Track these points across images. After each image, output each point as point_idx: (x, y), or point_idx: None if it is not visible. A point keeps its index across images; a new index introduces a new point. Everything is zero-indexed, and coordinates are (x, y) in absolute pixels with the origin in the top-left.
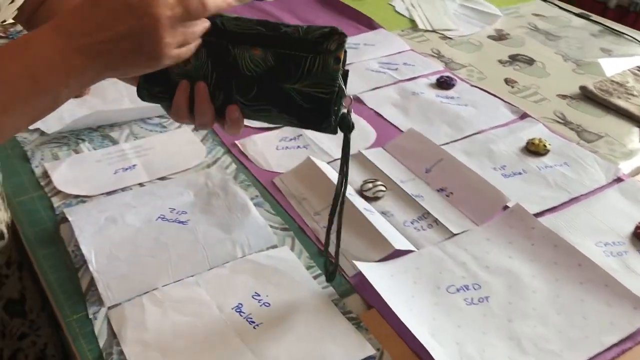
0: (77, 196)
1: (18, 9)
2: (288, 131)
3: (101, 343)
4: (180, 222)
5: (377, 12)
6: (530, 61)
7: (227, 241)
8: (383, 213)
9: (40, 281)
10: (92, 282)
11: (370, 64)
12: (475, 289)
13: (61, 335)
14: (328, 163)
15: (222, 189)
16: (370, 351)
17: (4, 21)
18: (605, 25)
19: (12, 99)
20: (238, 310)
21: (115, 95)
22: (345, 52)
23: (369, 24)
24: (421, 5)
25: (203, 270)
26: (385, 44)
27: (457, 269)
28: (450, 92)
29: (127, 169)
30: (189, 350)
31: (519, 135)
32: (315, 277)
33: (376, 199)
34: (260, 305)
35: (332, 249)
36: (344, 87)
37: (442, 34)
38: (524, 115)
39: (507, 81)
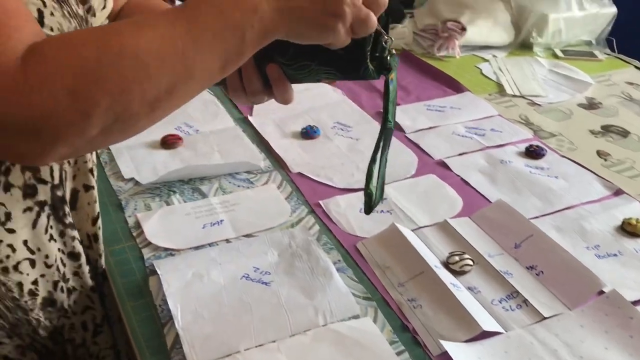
0: (166, 249)
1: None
2: None
3: None
4: (263, 282)
5: (463, 74)
6: (624, 133)
7: (310, 307)
8: (470, 289)
9: (128, 334)
10: (177, 339)
11: (456, 128)
12: None
13: None
14: (413, 231)
15: (305, 250)
16: None
17: None
18: None
19: (201, 31)
20: None
21: (206, 149)
22: None
23: (455, 87)
24: (509, 69)
25: (285, 336)
26: (472, 108)
27: (548, 357)
28: (540, 162)
29: (214, 224)
30: None
31: (614, 214)
32: (398, 354)
33: (463, 273)
34: None
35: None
36: (381, 30)
37: (531, 100)
38: (618, 192)
39: (600, 153)
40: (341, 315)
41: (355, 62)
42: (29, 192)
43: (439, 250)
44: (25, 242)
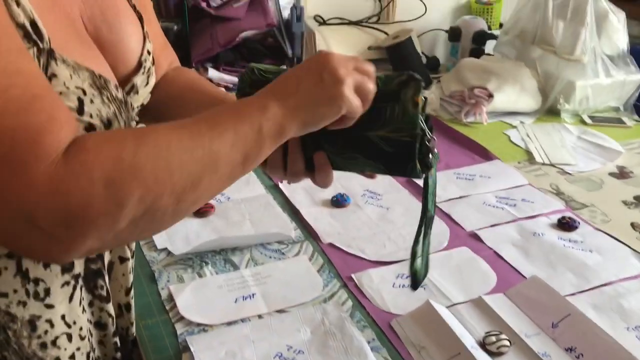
0: (199, 324)
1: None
2: (405, 268)
3: None
4: None
5: (492, 142)
6: None
7: None
8: None
9: None
10: None
11: (487, 198)
12: None
13: None
14: (447, 307)
15: (339, 328)
16: None
17: (142, 104)
18: None
19: (223, 129)
20: None
21: (237, 218)
22: (426, 98)
23: (484, 154)
24: (537, 136)
25: None
26: (501, 177)
27: None
28: (573, 235)
29: (246, 297)
30: None
31: None
32: None
33: (500, 354)
34: None
35: None
36: (426, 130)
37: (561, 169)
38: None
39: (634, 226)
40: None
41: (404, 160)
42: (67, 266)
43: (475, 329)
44: (62, 317)
